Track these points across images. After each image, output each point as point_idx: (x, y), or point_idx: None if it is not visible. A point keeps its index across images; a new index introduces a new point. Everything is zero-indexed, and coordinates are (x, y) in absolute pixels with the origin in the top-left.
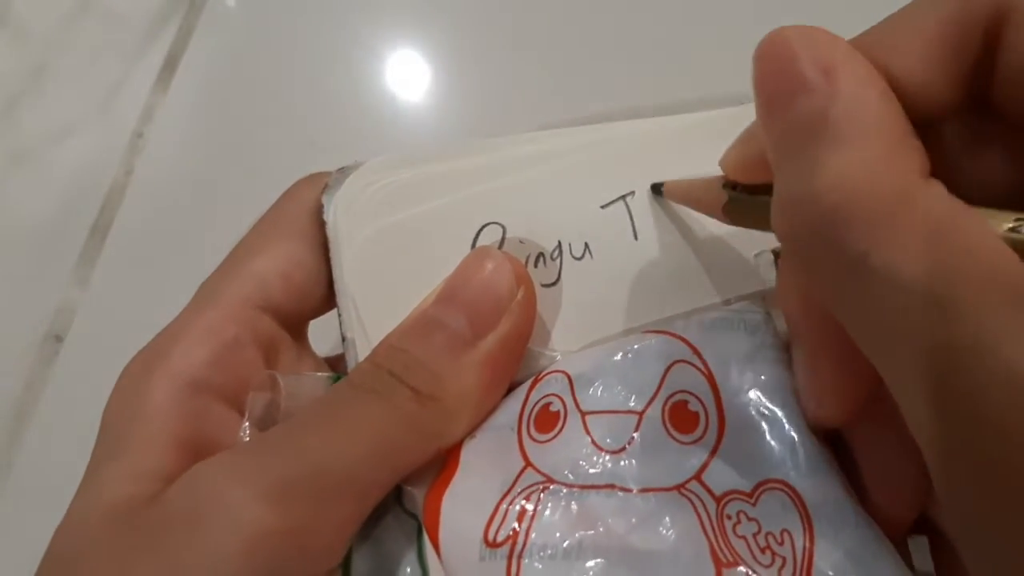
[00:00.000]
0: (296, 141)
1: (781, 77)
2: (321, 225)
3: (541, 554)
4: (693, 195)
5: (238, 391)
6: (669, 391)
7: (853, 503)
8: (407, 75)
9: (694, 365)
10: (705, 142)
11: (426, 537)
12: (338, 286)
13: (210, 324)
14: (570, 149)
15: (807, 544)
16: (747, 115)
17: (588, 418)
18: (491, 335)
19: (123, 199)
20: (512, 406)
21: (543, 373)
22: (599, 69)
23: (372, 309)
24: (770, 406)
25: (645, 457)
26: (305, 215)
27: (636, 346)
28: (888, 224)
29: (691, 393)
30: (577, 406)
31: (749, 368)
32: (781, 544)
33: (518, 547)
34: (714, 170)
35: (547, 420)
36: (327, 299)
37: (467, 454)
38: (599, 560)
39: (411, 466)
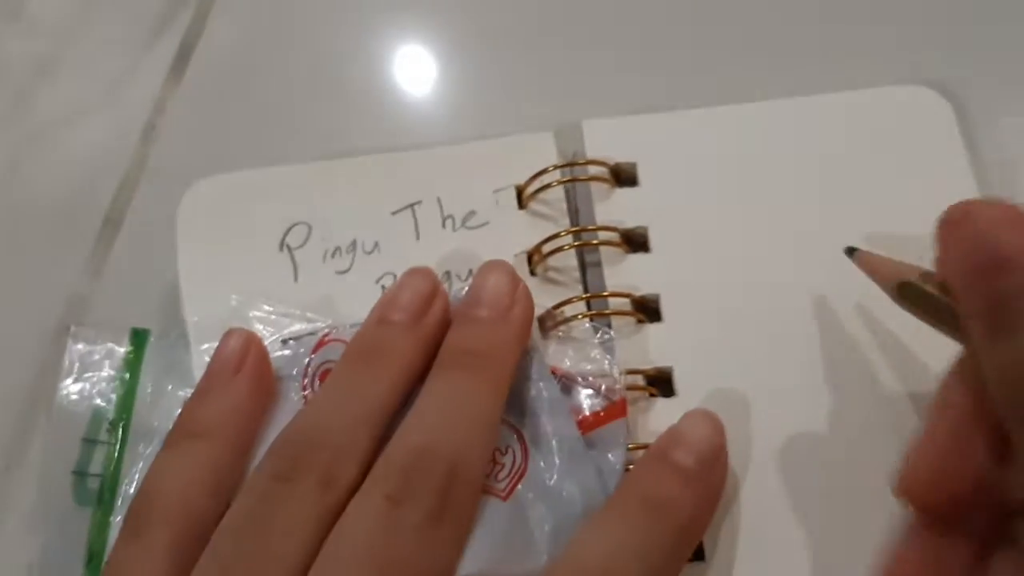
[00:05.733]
0: (310, 132)
1: (979, 253)
2: None
3: None
4: (878, 269)
5: None
6: None
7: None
8: (423, 67)
9: None
10: (480, 166)
11: None
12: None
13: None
14: (369, 167)
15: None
16: (511, 145)
17: None
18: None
19: (136, 190)
20: (298, 361)
21: (327, 338)
22: (609, 64)
23: (195, 290)
24: (531, 382)
25: None
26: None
27: None
28: None
29: None
30: None
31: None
32: (505, 454)
33: None
34: (488, 184)
35: None
36: None
37: None
38: None
39: None
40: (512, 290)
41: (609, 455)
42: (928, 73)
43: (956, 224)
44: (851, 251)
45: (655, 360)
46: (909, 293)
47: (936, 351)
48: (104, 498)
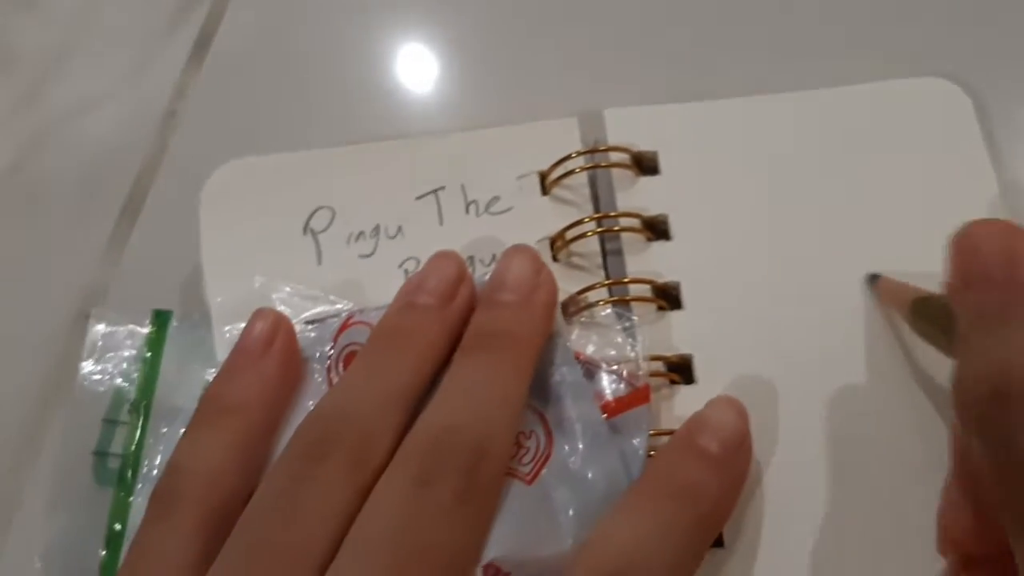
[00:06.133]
0: (331, 118)
1: (969, 266)
2: None
3: None
4: (893, 297)
5: None
6: None
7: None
8: (446, 52)
9: None
10: (504, 151)
11: None
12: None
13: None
14: (393, 152)
15: (547, 442)
16: (534, 131)
17: None
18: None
19: (156, 178)
20: (323, 343)
21: (351, 320)
22: (632, 53)
23: (217, 272)
24: (554, 367)
25: None
26: None
27: None
28: None
29: None
30: None
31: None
32: (529, 438)
33: None
34: (512, 170)
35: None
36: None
37: None
38: None
39: None
40: (536, 274)
41: (633, 440)
42: (948, 65)
43: (957, 240)
44: (873, 278)
45: (676, 347)
46: (922, 308)
47: None
48: (125, 477)
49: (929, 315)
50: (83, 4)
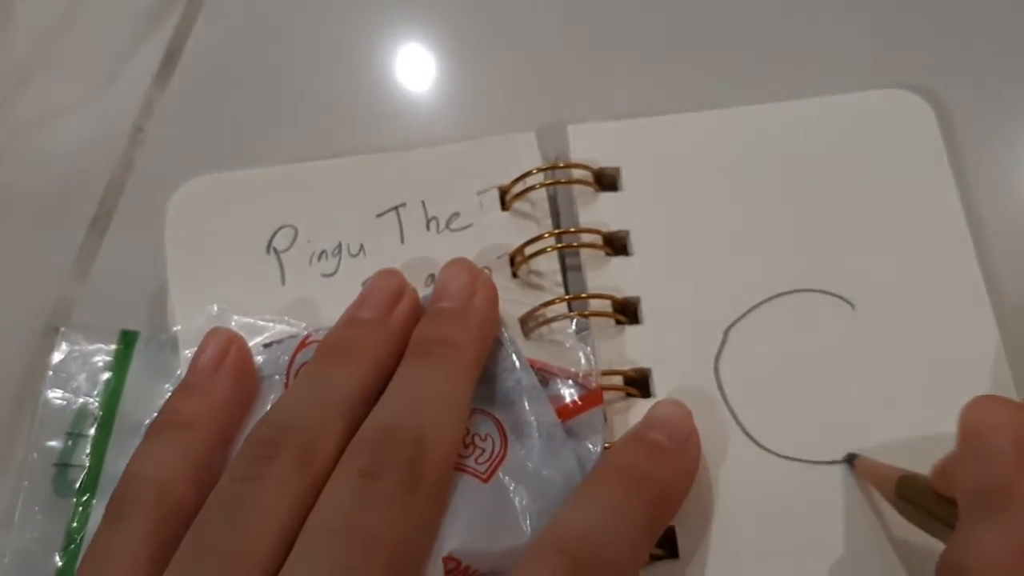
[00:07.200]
0: (300, 135)
1: (980, 442)
2: None
3: None
4: (874, 477)
5: None
6: None
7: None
8: (415, 66)
9: None
10: (464, 167)
11: None
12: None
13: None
14: (354, 168)
15: (502, 443)
16: (494, 145)
17: None
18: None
19: (122, 193)
20: (279, 362)
21: (308, 340)
22: (592, 66)
23: (183, 294)
24: (509, 372)
25: None
26: None
27: None
28: None
29: None
30: None
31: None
32: (484, 440)
33: None
34: (471, 185)
35: None
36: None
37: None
38: None
39: None
40: (472, 280)
41: (588, 443)
42: (910, 77)
43: (969, 411)
44: (851, 458)
45: (635, 361)
46: (907, 488)
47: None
48: (86, 486)
49: (914, 494)
50: (52, 18)
